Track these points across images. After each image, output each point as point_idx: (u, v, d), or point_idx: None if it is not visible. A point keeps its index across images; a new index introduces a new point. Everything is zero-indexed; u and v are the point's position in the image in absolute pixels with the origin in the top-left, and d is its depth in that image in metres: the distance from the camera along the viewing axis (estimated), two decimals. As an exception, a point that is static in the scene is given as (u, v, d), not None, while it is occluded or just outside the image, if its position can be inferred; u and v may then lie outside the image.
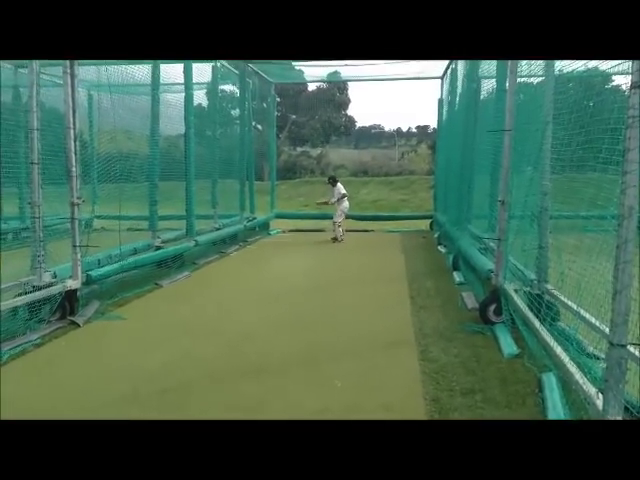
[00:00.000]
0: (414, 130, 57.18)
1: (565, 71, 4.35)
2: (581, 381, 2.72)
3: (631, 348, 2.55)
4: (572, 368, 2.85)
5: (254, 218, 12.57)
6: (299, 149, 38.86)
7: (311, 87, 36.75)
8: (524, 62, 5.03)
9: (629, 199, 2.20)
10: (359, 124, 50.19)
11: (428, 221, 13.96)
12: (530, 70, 5.14)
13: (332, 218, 11.97)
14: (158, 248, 7.68)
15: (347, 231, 12.23)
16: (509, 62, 5.08)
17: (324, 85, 34.50)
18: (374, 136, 57.82)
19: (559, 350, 3.13)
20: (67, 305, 5.25)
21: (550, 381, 3.35)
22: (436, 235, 11.57)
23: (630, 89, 2.22)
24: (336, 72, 16.22)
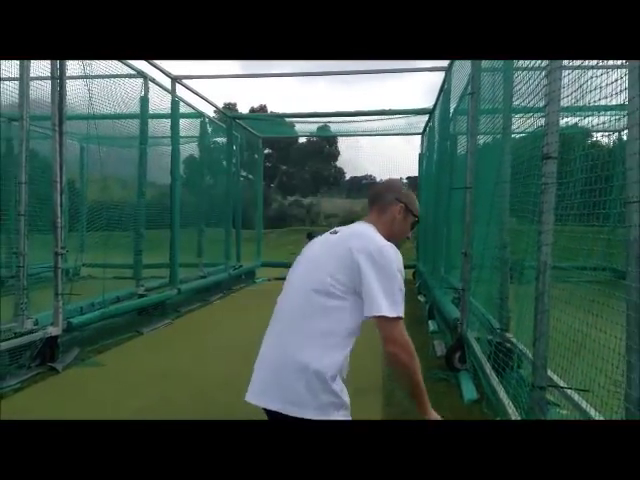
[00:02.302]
0: (405, 180, 58.08)
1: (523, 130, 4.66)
2: (518, 423, 2.91)
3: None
4: (510, 410, 3.04)
5: (240, 266, 12.77)
6: (290, 198, 39.52)
7: (301, 139, 37.69)
8: (482, 123, 5.38)
9: (543, 256, 2.47)
10: (351, 174, 51.07)
11: (412, 270, 14.12)
12: (494, 128, 5.49)
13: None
14: (141, 296, 7.85)
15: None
16: (470, 124, 5.44)
17: (314, 138, 35.42)
18: (366, 186, 58.59)
19: (502, 394, 3.33)
20: (47, 351, 5.40)
21: (500, 425, 3.52)
22: (417, 284, 11.77)
23: (542, 160, 2.52)
24: (325, 126, 16.69)
